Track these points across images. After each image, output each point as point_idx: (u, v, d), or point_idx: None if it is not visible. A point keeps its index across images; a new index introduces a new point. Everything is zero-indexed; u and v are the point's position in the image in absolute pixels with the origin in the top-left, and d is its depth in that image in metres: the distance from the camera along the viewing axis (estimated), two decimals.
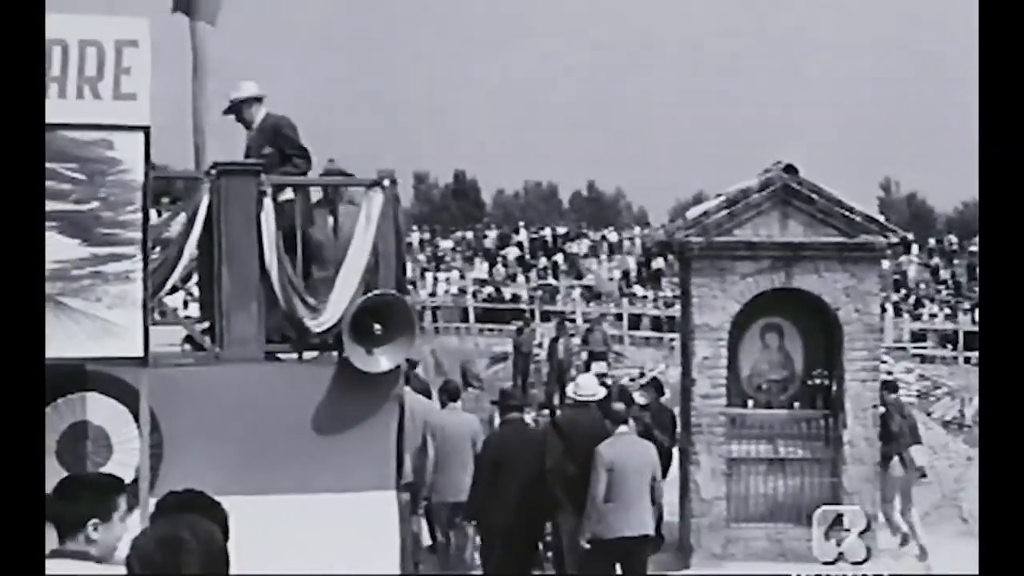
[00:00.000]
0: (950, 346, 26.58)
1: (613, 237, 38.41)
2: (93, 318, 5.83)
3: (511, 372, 22.35)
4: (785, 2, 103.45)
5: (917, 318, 29.06)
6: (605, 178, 78.81)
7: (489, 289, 33.27)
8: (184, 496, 2.95)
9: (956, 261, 35.07)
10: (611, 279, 33.85)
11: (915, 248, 35.68)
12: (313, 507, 6.69)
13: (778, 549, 10.70)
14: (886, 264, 30.35)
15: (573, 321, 27.24)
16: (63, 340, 5.81)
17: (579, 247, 37.54)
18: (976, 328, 23.56)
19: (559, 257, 36.50)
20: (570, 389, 9.93)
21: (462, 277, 35.49)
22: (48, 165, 5.73)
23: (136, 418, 6.42)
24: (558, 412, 11.24)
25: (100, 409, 6.39)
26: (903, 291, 31.59)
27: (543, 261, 36.30)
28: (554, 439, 8.97)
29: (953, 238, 37.97)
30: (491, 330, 29.68)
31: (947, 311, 29.41)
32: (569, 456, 8.79)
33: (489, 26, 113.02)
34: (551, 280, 34.40)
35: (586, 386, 9.44)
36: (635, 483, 8.53)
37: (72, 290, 5.80)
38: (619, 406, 9.15)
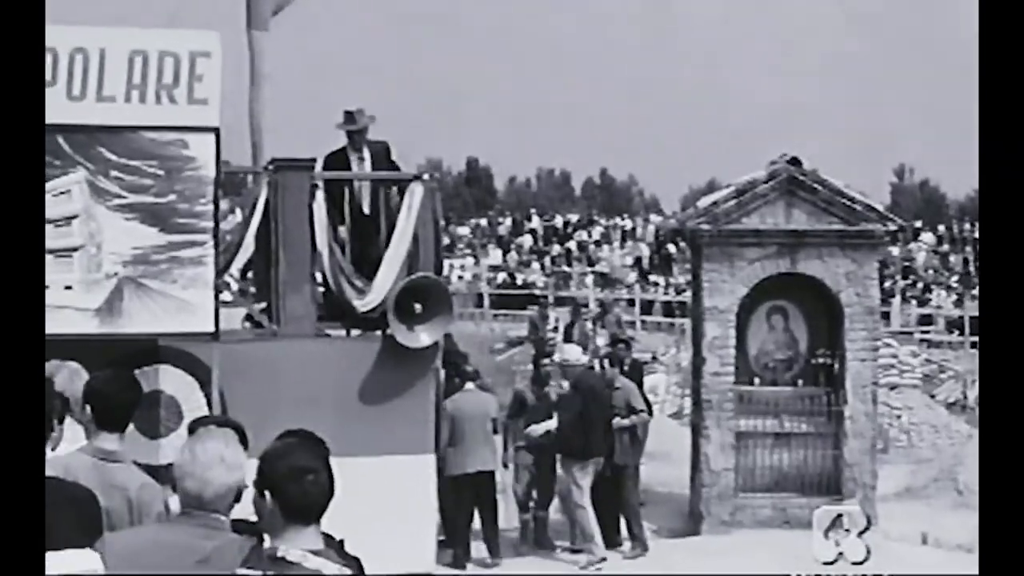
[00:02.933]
0: (957, 331, 26.94)
1: (628, 224, 38.73)
2: (170, 297, 6.54)
3: (528, 356, 22.84)
4: None
5: (925, 303, 29.38)
6: (617, 166, 79.23)
7: (503, 275, 33.69)
8: (291, 431, 3.64)
9: (967, 248, 35.06)
10: (624, 266, 34.22)
11: (927, 235, 35.91)
12: (358, 469, 7.34)
13: (783, 517, 11.20)
14: (896, 251, 30.72)
15: (588, 306, 27.72)
16: (143, 317, 6.56)
17: (591, 234, 37.83)
18: None
19: (572, 244, 36.85)
20: (556, 356, 11.08)
21: (476, 264, 35.87)
22: (131, 162, 6.49)
23: (202, 388, 7.16)
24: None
25: (171, 380, 7.06)
26: (911, 278, 31.84)
27: (556, 248, 36.63)
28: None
29: (966, 224, 37.86)
30: (505, 315, 30.18)
31: (955, 297, 29.67)
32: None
33: (502, 16, 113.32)
34: (564, 267, 34.73)
35: (570, 352, 10.90)
36: (473, 429, 9.79)
37: (151, 273, 6.51)
38: (468, 368, 10.52)
